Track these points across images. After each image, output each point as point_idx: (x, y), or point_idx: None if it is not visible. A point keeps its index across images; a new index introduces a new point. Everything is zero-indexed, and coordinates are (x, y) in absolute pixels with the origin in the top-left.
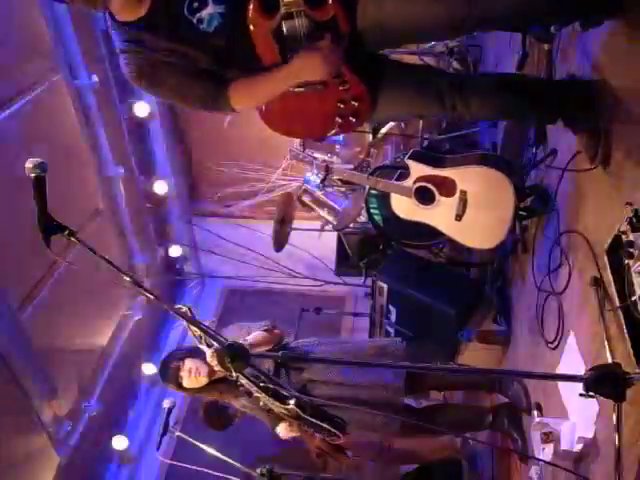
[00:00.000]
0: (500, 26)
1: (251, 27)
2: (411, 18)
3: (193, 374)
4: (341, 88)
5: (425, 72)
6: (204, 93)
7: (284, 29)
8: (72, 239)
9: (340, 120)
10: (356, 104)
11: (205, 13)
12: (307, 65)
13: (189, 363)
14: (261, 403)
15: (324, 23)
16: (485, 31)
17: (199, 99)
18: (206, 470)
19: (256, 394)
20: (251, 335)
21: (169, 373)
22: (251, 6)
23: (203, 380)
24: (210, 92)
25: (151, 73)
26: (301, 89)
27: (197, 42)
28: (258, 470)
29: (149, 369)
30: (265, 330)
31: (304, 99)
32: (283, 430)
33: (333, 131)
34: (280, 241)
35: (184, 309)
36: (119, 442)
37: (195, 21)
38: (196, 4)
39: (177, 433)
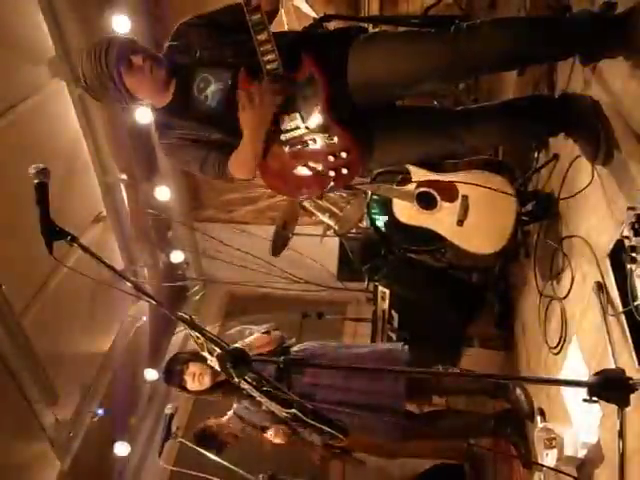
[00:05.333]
0: (496, 68)
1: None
2: (398, 72)
3: (197, 377)
4: (329, 141)
5: (428, 113)
6: (216, 168)
7: None
8: (74, 245)
9: (334, 174)
10: (345, 155)
11: (209, 91)
12: (244, 119)
13: (193, 367)
14: (263, 407)
15: (304, 83)
16: (481, 74)
17: (213, 172)
18: (208, 476)
19: (258, 398)
20: (251, 337)
21: (173, 376)
22: (240, 78)
23: (206, 383)
24: (220, 166)
25: (177, 152)
26: (295, 148)
27: (206, 116)
28: (260, 476)
29: (151, 375)
30: (265, 332)
31: (298, 157)
32: (270, 437)
33: (329, 186)
34: (279, 246)
35: (185, 317)
36: (121, 448)
37: (202, 98)
38: (202, 84)
39: (179, 439)
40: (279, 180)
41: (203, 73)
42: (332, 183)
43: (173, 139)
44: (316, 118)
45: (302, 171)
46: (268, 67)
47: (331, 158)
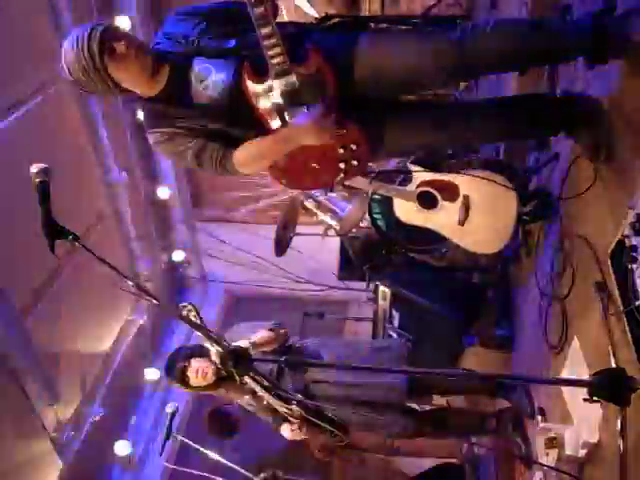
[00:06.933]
0: (499, 69)
1: (247, 90)
2: (405, 68)
3: (200, 374)
4: (339, 134)
5: (429, 106)
6: (215, 159)
7: (275, 88)
8: (76, 244)
9: (343, 166)
10: (355, 147)
11: (210, 81)
12: (302, 132)
13: (195, 363)
14: (265, 402)
15: (311, 77)
16: (484, 74)
17: (210, 165)
18: (209, 475)
19: (260, 394)
20: (256, 334)
21: (175, 373)
22: (244, 71)
23: (210, 379)
24: (219, 158)
25: (169, 141)
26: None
27: (205, 107)
28: (262, 475)
29: (152, 374)
30: (270, 329)
31: (307, 151)
32: (287, 431)
33: (339, 177)
34: (282, 246)
35: (189, 307)
36: (122, 447)
37: (202, 88)
38: (202, 74)
39: (180, 438)
40: (288, 174)
41: (203, 63)
42: (342, 175)
43: (165, 128)
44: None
45: (311, 164)
46: (273, 61)
47: (341, 150)
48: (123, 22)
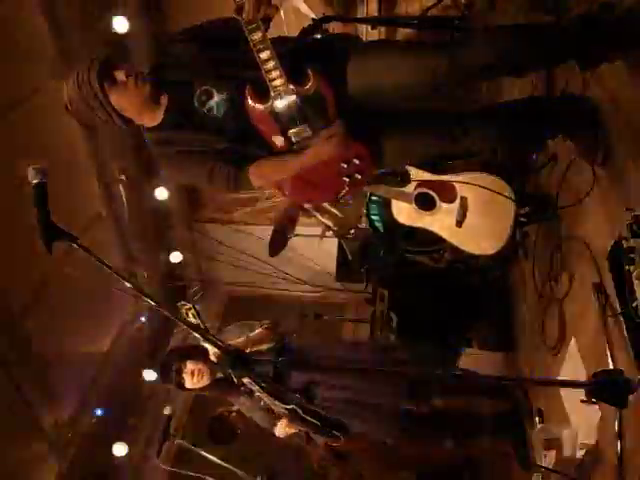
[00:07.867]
0: (493, 77)
1: (250, 112)
2: (398, 83)
3: (196, 376)
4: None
5: (428, 114)
6: (226, 177)
7: (277, 109)
8: (74, 245)
9: (348, 180)
10: (358, 162)
11: (212, 102)
12: (322, 152)
13: (190, 365)
14: (262, 403)
15: (311, 96)
16: (473, 83)
17: (223, 183)
18: (207, 477)
19: (258, 394)
20: (253, 332)
21: (170, 375)
22: (247, 95)
23: (206, 381)
24: (231, 175)
25: (181, 166)
26: None
27: (211, 128)
28: (259, 478)
29: (150, 375)
30: (267, 328)
31: (312, 167)
32: (280, 428)
33: (344, 191)
34: (277, 247)
35: (187, 306)
36: (120, 449)
37: (205, 111)
38: (203, 97)
39: (177, 440)
40: (292, 187)
41: (203, 86)
42: (346, 188)
43: (175, 154)
44: (325, 129)
45: (315, 178)
46: (273, 84)
47: (344, 165)
48: (120, 23)
